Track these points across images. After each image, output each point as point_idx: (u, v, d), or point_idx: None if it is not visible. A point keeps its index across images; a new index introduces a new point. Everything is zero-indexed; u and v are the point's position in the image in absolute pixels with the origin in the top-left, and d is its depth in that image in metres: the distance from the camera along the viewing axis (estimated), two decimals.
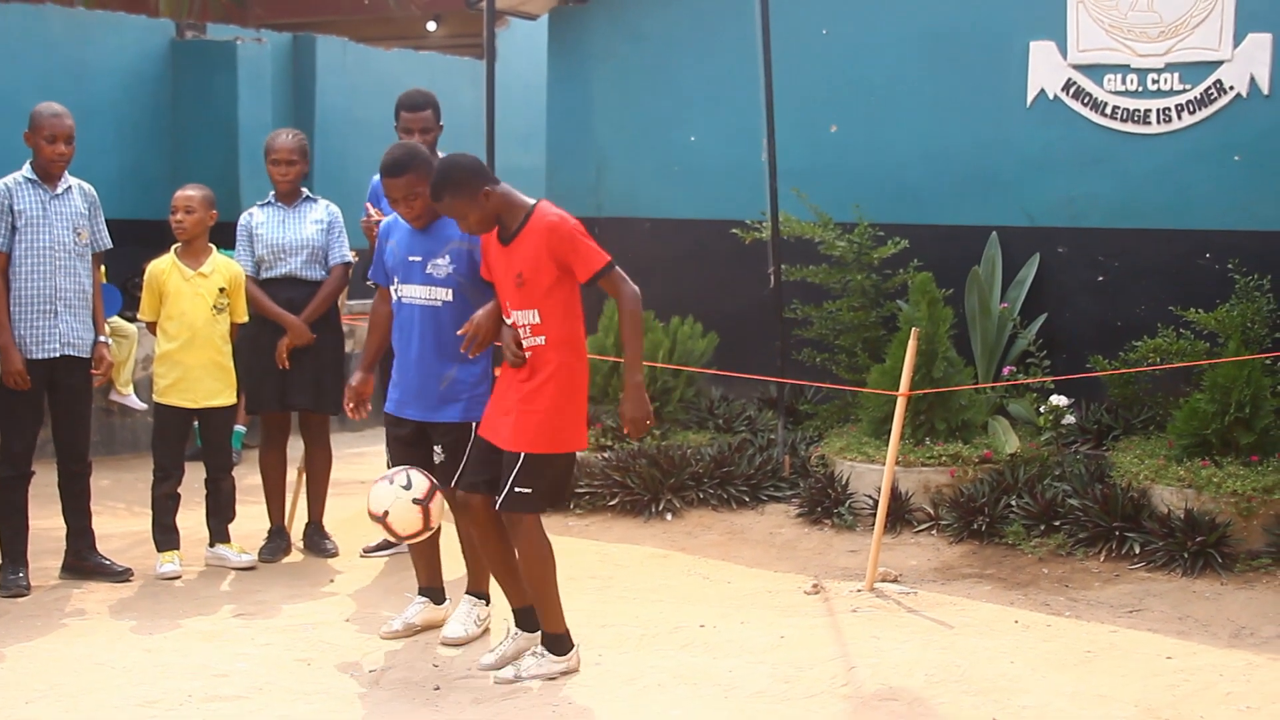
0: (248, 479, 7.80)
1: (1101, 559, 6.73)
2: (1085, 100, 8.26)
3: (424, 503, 5.33)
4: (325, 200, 7.11)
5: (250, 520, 7.22)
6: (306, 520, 7.21)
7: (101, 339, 6.59)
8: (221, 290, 6.78)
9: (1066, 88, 8.31)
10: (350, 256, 7.08)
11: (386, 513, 5.33)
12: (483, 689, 5.20)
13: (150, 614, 6.10)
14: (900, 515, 7.28)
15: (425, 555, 5.86)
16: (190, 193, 6.79)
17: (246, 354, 6.96)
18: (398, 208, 5.54)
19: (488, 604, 5.84)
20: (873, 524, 6.77)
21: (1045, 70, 8.38)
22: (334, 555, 7.08)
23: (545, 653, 5.31)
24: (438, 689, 5.22)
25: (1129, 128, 8.17)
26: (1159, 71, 8.06)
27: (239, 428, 9.11)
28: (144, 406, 9.01)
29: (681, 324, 8.78)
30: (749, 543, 7.33)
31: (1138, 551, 6.66)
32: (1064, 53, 8.31)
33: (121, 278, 9.51)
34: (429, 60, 13.95)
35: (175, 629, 5.90)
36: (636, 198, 9.87)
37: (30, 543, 6.51)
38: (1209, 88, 7.93)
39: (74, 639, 5.76)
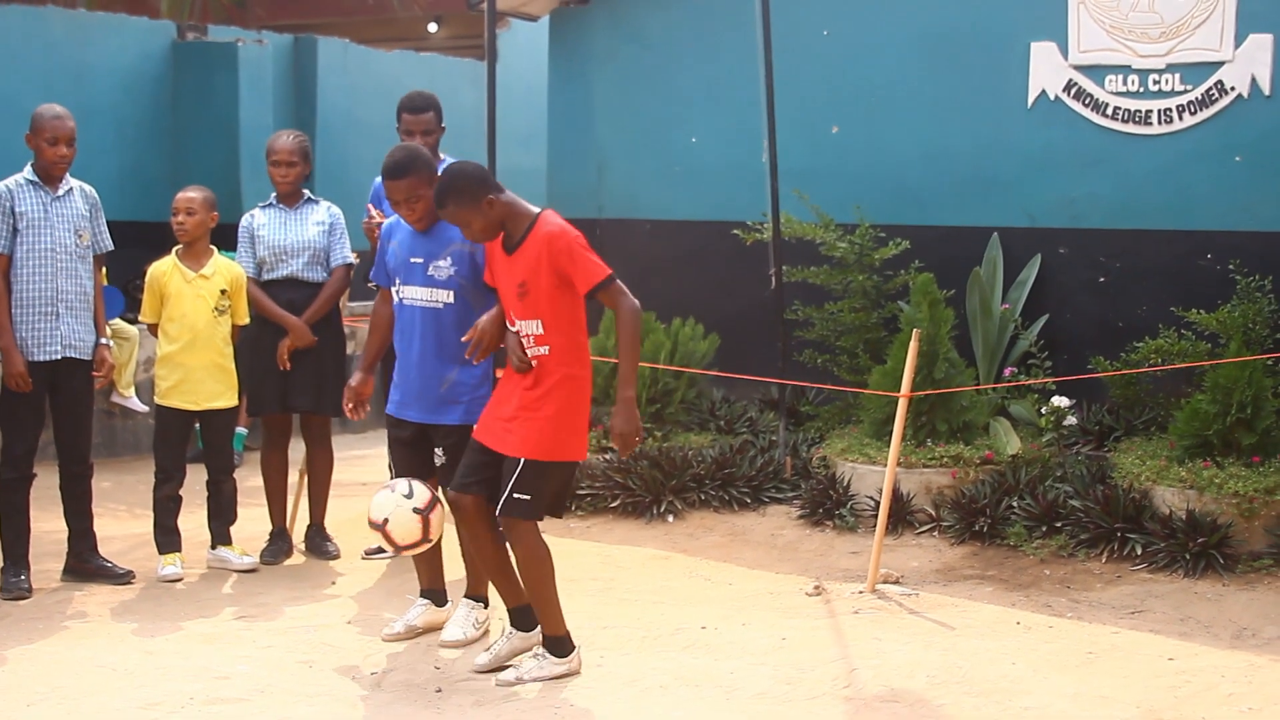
0: (249, 481, 7.80)
1: (1103, 560, 6.73)
2: (1086, 101, 8.26)
3: (424, 513, 5.32)
4: (327, 202, 7.11)
5: (252, 522, 7.22)
6: (308, 522, 7.21)
7: (103, 341, 6.59)
8: (223, 292, 6.78)
9: (1067, 88, 8.31)
10: (352, 258, 7.08)
11: (386, 520, 5.32)
12: (484, 691, 5.20)
13: (152, 616, 6.10)
14: (902, 517, 7.28)
15: (427, 557, 5.85)
16: (191, 194, 6.79)
17: (248, 356, 6.96)
18: (399, 210, 5.54)
19: (486, 607, 5.84)
20: (874, 525, 6.77)
21: (1046, 71, 8.37)
22: (335, 557, 7.08)
23: (546, 655, 5.32)
24: (439, 691, 5.22)
25: (1130, 128, 8.17)
26: (1160, 72, 8.06)
27: (240, 430, 9.11)
28: (145, 408, 9.01)
29: (683, 325, 8.78)
30: (750, 544, 7.33)
31: (1139, 553, 6.66)
32: (1065, 53, 8.30)
33: (123, 280, 9.52)
34: (430, 61, 13.95)
35: (177, 631, 5.90)
36: (637, 199, 9.87)
37: (32, 545, 6.51)
38: (1210, 88, 7.93)
39: (75, 641, 5.77)
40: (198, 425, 7.04)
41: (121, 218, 8.34)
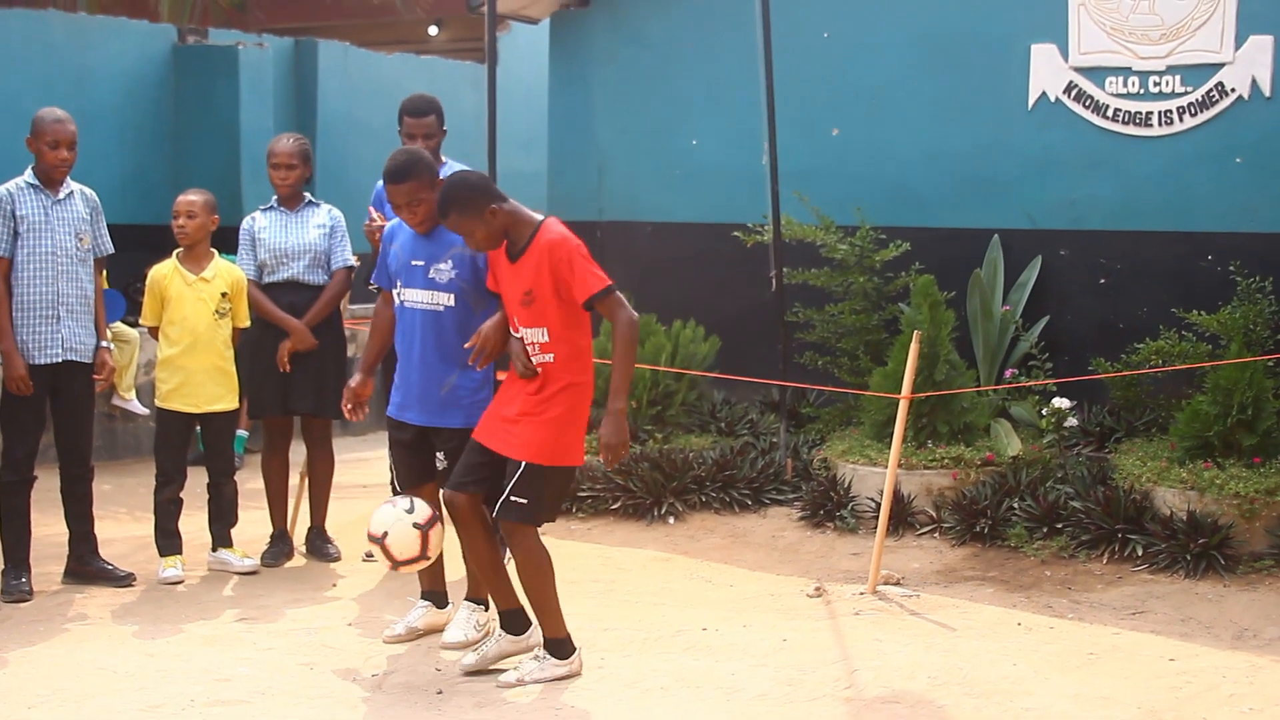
0: (250, 484, 7.80)
1: (1104, 561, 6.73)
2: (1087, 103, 8.26)
3: (424, 529, 5.32)
4: (328, 205, 7.11)
5: (252, 525, 7.22)
6: (309, 525, 7.21)
7: (103, 344, 6.59)
8: (223, 295, 6.78)
9: (1068, 90, 8.31)
10: (352, 261, 7.09)
11: (385, 534, 5.31)
12: (485, 693, 5.20)
13: (152, 619, 6.10)
14: (902, 518, 7.28)
15: None
16: (192, 197, 6.80)
17: (248, 359, 6.96)
18: (401, 213, 5.54)
19: (487, 609, 5.83)
20: (875, 527, 6.77)
21: (1046, 73, 8.38)
22: (336, 559, 7.08)
23: (547, 656, 5.32)
24: (440, 693, 5.22)
25: (1130, 130, 8.17)
26: (1160, 74, 8.06)
27: (241, 432, 9.12)
28: (146, 411, 9.01)
29: (683, 327, 8.78)
30: (751, 546, 7.33)
31: (1140, 554, 6.66)
32: (1065, 55, 8.31)
33: (123, 283, 9.52)
34: (430, 65, 13.96)
35: (177, 634, 5.90)
36: (638, 201, 9.87)
37: (32, 548, 6.51)
38: (1210, 90, 7.93)
39: (76, 644, 5.77)
40: (198, 428, 7.04)
41: (122, 221, 8.34)
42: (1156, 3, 8.03)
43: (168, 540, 6.76)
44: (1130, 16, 8.11)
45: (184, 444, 6.90)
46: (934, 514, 7.32)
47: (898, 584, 6.62)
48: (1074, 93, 8.30)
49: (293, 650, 5.69)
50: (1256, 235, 7.87)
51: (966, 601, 6.38)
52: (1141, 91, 8.12)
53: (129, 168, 11.28)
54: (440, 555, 5.84)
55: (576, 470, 5.48)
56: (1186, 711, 5.01)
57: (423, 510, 5.35)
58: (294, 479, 7.31)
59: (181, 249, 6.79)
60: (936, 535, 7.23)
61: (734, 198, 9.26)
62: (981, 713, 5.01)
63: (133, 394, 9.07)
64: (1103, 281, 8.35)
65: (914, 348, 6.69)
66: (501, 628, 5.44)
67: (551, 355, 5.15)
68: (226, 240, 7.27)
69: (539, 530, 5.28)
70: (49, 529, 6.96)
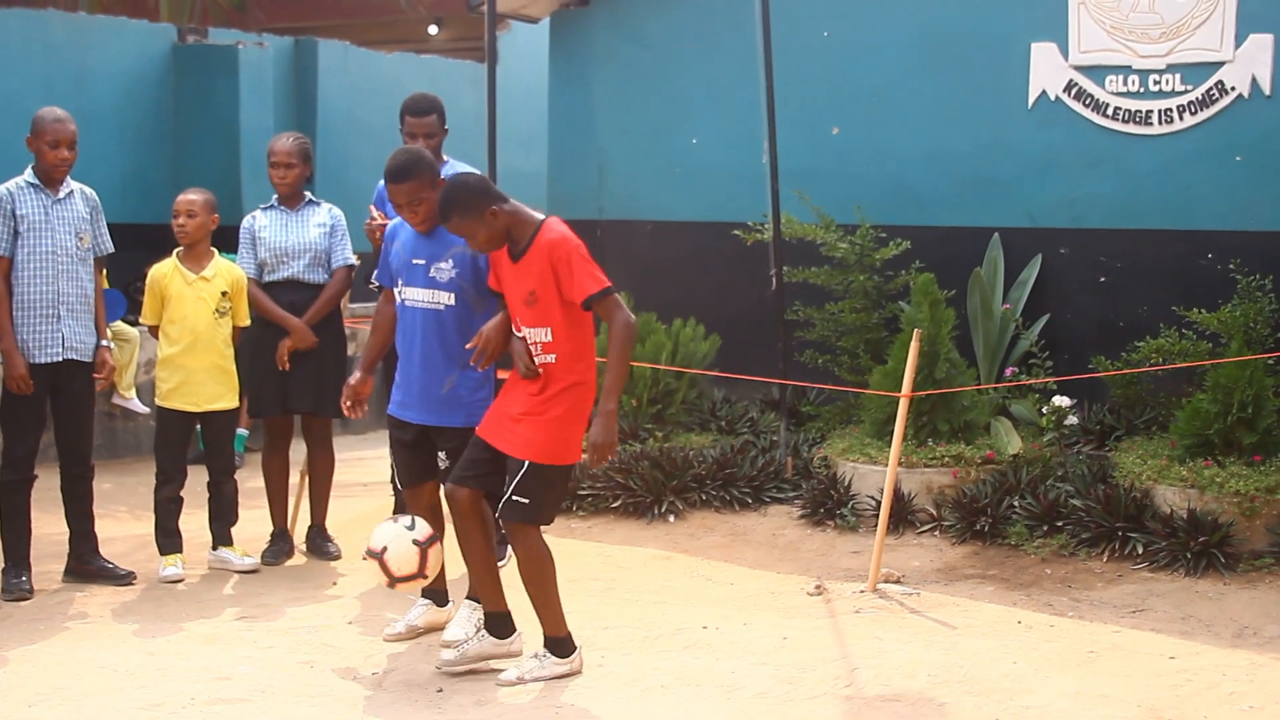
0: (250, 482, 7.80)
1: (1104, 559, 6.73)
2: (1087, 101, 8.26)
3: (423, 546, 5.31)
4: (328, 204, 7.12)
5: (253, 523, 7.22)
6: (309, 523, 7.21)
7: (104, 343, 6.59)
8: (223, 294, 6.79)
9: (1068, 89, 8.31)
10: (353, 260, 7.09)
11: (385, 549, 5.30)
12: (486, 691, 5.20)
13: (153, 617, 6.11)
14: (903, 516, 7.28)
15: None
16: (192, 197, 6.80)
17: (248, 357, 6.96)
18: (402, 212, 5.54)
19: None
20: (875, 525, 6.77)
21: (1047, 71, 8.38)
22: (336, 558, 7.09)
23: (548, 655, 5.32)
24: (440, 691, 5.22)
25: (1130, 129, 8.17)
26: (1160, 72, 8.06)
27: (241, 431, 9.12)
28: (146, 410, 9.02)
29: (683, 326, 8.78)
30: (751, 544, 7.33)
31: (1140, 552, 6.66)
32: (1065, 54, 8.31)
33: (123, 282, 9.52)
34: (430, 64, 13.95)
35: (178, 632, 5.91)
36: (638, 200, 9.87)
37: (33, 546, 6.51)
38: (1210, 88, 7.93)
39: (77, 642, 5.77)
40: (199, 427, 7.04)
41: (122, 220, 8.34)
42: (1156, 1, 8.03)
43: (168, 539, 6.77)
44: (1130, 15, 8.11)
45: (184, 443, 6.90)
46: (934, 512, 7.32)
47: (898, 582, 6.62)
48: (1074, 91, 8.30)
49: (293, 648, 5.69)
50: (1256, 234, 7.87)
51: (967, 600, 6.38)
52: (1141, 90, 8.12)
53: (129, 167, 11.27)
54: (441, 553, 5.84)
55: (574, 467, 5.47)
56: (1187, 709, 5.01)
57: (423, 528, 5.35)
58: (294, 478, 7.31)
59: (181, 248, 6.80)
60: (937, 533, 7.23)
61: (734, 196, 9.26)
62: (982, 711, 5.01)
63: (133, 393, 9.07)
64: (1103, 280, 8.35)
65: (914, 346, 6.69)
66: (485, 628, 5.42)
67: (554, 355, 5.15)
68: (227, 239, 7.27)
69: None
70: (49, 528, 6.96)
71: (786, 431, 8.26)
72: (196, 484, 6.98)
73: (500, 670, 5.34)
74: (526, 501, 5.14)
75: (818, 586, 6.57)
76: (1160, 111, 8.07)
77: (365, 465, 9.19)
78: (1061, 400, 7.83)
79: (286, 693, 5.19)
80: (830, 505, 7.47)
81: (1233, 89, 7.88)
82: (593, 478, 7.82)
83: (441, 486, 5.67)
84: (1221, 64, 7.90)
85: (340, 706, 5.07)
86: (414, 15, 16.12)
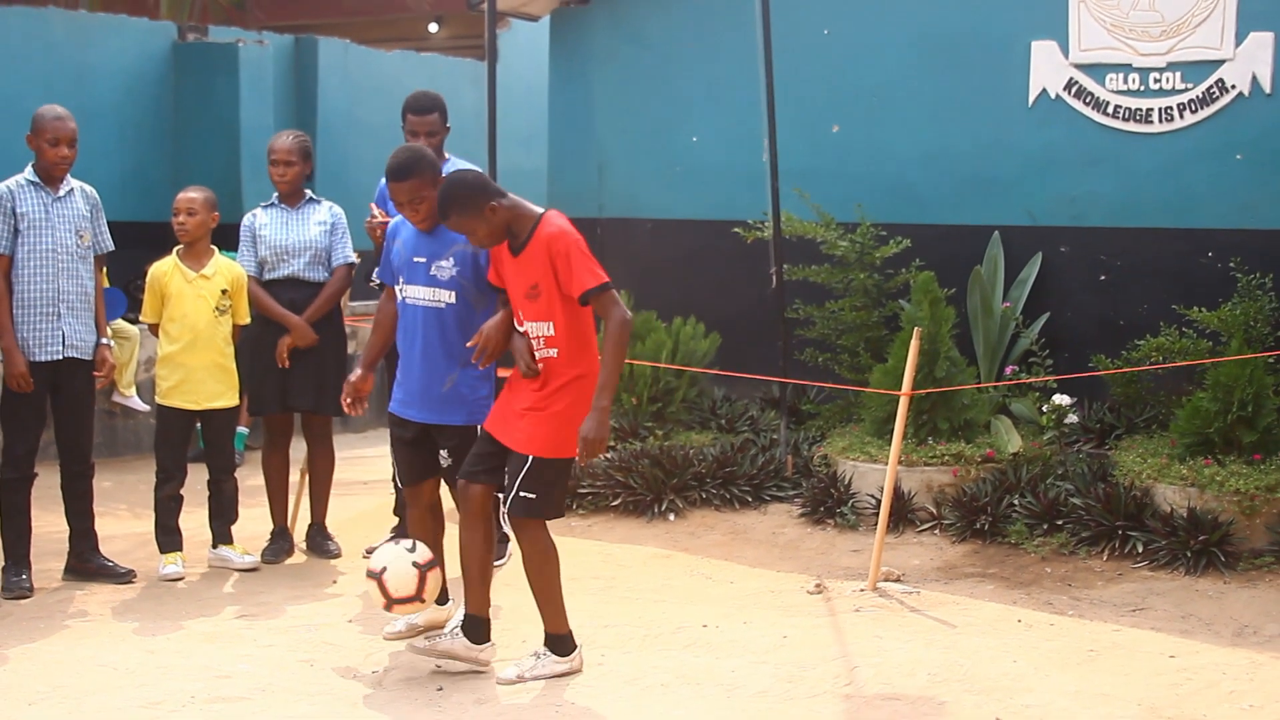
0: (250, 480, 7.80)
1: (1104, 558, 6.73)
2: (1087, 99, 8.26)
3: (423, 569, 5.28)
4: (329, 202, 7.11)
5: (253, 522, 7.22)
6: (309, 521, 7.21)
7: (104, 341, 6.59)
8: (224, 292, 6.79)
9: (1068, 87, 8.31)
10: (353, 258, 7.08)
11: (384, 569, 5.27)
12: (486, 689, 5.21)
13: (153, 615, 6.11)
14: (903, 515, 7.28)
15: None
16: (192, 195, 6.80)
17: (249, 356, 6.96)
18: (403, 211, 5.54)
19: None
20: (875, 524, 6.77)
21: (1047, 70, 8.37)
22: (337, 556, 7.09)
23: (548, 653, 5.32)
24: (441, 690, 5.22)
25: (1131, 127, 8.17)
26: (1161, 71, 8.06)
27: (241, 429, 9.12)
28: (146, 408, 9.01)
29: (684, 324, 8.79)
30: (752, 543, 7.33)
31: (1140, 550, 6.66)
32: (1066, 52, 8.31)
33: (123, 280, 9.52)
34: (431, 62, 13.95)
35: (178, 630, 5.91)
36: (638, 198, 9.87)
37: (33, 544, 6.51)
38: (1211, 87, 7.93)
39: (77, 641, 5.77)
40: (199, 425, 7.04)
41: (122, 218, 8.34)
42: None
43: (168, 537, 6.77)
44: (1131, 13, 8.10)
45: (184, 441, 6.90)
46: (934, 511, 7.32)
47: (898, 581, 6.63)
48: (1074, 89, 8.30)
49: (293, 647, 5.69)
50: (1257, 232, 7.87)
51: (967, 598, 6.38)
52: (1142, 88, 8.12)
53: (129, 165, 11.27)
54: (441, 551, 5.84)
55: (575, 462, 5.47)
56: (1187, 708, 5.01)
57: (424, 553, 5.34)
58: (294, 476, 7.31)
59: (182, 246, 6.80)
60: (937, 532, 7.23)
61: (734, 195, 9.26)
62: (981, 709, 5.01)
63: (133, 391, 9.07)
64: (1103, 278, 8.35)
65: (914, 344, 6.69)
66: (461, 628, 5.37)
67: (555, 350, 5.15)
68: (227, 237, 7.27)
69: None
70: (49, 526, 6.96)
71: (786, 430, 8.26)
72: (196, 482, 6.98)
73: (499, 668, 5.35)
74: (533, 496, 5.15)
75: (818, 585, 6.57)
76: (1160, 110, 8.07)
77: (365, 463, 9.19)
78: (1061, 399, 7.84)
79: (287, 691, 5.19)
80: (830, 504, 7.47)
81: (1233, 87, 7.88)
82: (593, 476, 7.82)
83: (443, 484, 5.67)
84: (1222, 62, 7.89)
85: (340, 705, 5.07)
86: (415, 13, 16.11)
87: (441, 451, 5.60)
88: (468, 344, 5.38)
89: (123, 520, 7.90)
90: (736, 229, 8.94)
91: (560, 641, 5.32)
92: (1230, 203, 7.95)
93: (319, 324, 6.92)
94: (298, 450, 7.23)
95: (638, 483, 7.74)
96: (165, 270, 6.77)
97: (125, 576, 6.61)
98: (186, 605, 6.27)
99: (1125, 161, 8.20)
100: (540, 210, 5.21)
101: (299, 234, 6.94)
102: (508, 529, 5.77)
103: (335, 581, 6.69)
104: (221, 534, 6.90)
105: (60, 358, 6.39)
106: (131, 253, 8.27)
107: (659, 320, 8.80)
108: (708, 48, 9.49)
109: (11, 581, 6.37)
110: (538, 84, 11.39)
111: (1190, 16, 7.95)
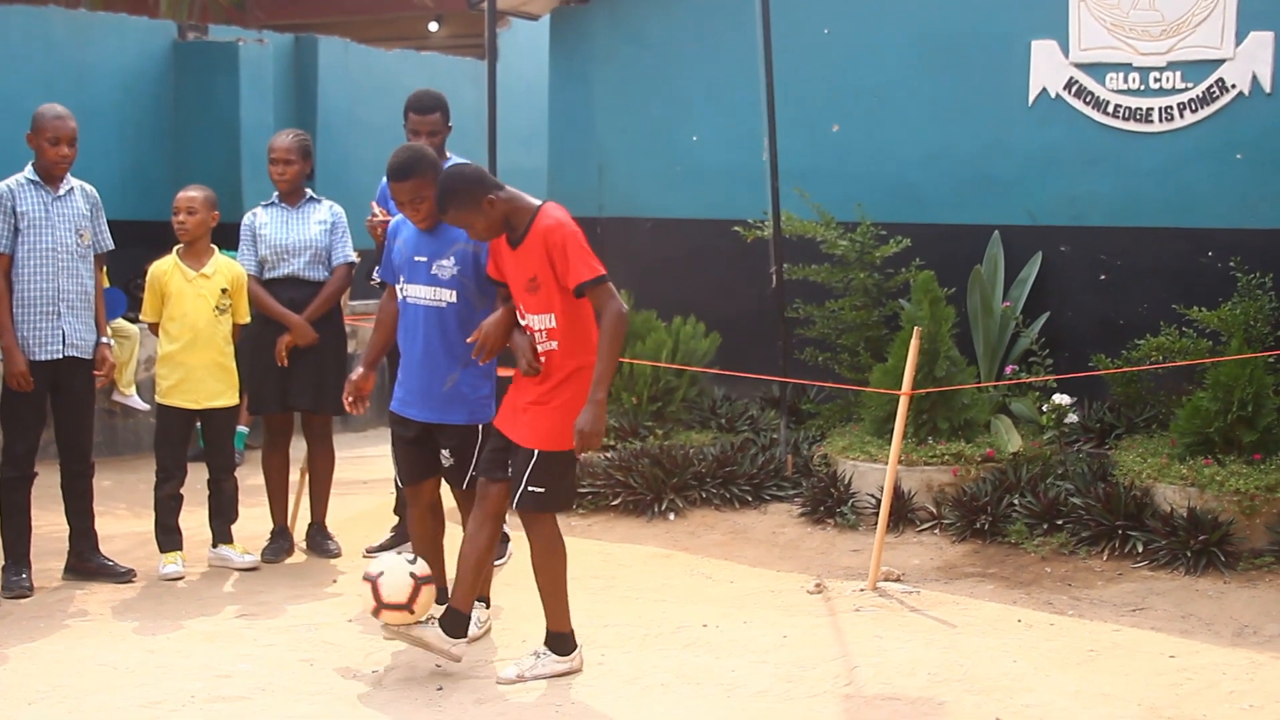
0: (250, 480, 7.80)
1: (1104, 558, 6.73)
2: (1087, 99, 8.26)
3: (419, 580, 5.25)
4: (329, 201, 7.11)
5: (253, 521, 7.22)
6: (309, 521, 7.21)
7: (104, 340, 6.59)
8: (224, 291, 6.78)
9: (1068, 86, 8.31)
10: (353, 257, 7.08)
11: (380, 574, 5.25)
12: (486, 689, 5.21)
13: (153, 615, 6.11)
14: (903, 514, 7.28)
15: (430, 556, 5.84)
16: (192, 194, 6.80)
17: (249, 355, 6.96)
18: (404, 210, 5.54)
19: (487, 606, 5.85)
20: (875, 523, 6.77)
21: (1047, 69, 8.37)
22: (337, 556, 7.08)
23: (548, 652, 5.32)
24: (440, 689, 5.22)
25: (1131, 126, 8.17)
26: (1161, 70, 8.06)
27: (241, 428, 9.12)
28: (146, 407, 9.01)
29: (684, 324, 8.78)
30: (752, 542, 7.33)
31: (1140, 550, 6.66)
32: (1066, 51, 8.31)
33: (124, 279, 9.51)
34: (431, 61, 13.95)
35: (178, 630, 5.91)
36: (638, 198, 9.87)
37: (33, 544, 6.51)
38: (1211, 86, 7.93)
39: (77, 640, 5.77)
40: (199, 424, 7.04)
41: (122, 217, 8.34)
42: None
43: (168, 536, 6.76)
44: (1131, 13, 8.10)
45: (184, 440, 6.90)
46: (934, 510, 7.32)
47: (898, 580, 6.62)
48: (1074, 89, 8.29)
49: (293, 646, 5.69)
50: (1257, 231, 7.87)
51: (967, 598, 6.38)
52: (1142, 88, 8.12)
53: (129, 164, 11.27)
54: (441, 554, 5.84)
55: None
56: (1187, 708, 5.01)
57: (424, 567, 5.34)
58: (294, 475, 7.31)
59: (182, 245, 6.80)
60: (937, 532, 7.23)
61: (734, 194, 9.26)
62: (981, 709, 5.01)
63: (133, 390, 9.06)
64: (1103, 278, 8.35)
65: (914, 344, 6.69)
66: (440, 620, 5.30)
67: (556, 342, 5.16)
68: (227, 236, 7.27)
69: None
70: (49, 525, 6.96)
71: (786, 429, 8.26)
72: (196, 481, 6.98)
73: (499, 667, 5.35)
74: (543, 491, 5.16)
75: (818, 585, 6.57)
76: (1161, 109, 8.07)
77: (365, 463, 9.19)
78: (1061, 398, 7.83)
79: (287, 690, 5.19)
80: (830, 503, 7.47)
81: (1233, 86, 7.88)
82: (593, 475, 7.82)
83: (444, 483, 5.67)
84: (1222, 61, 7.90)
85: (340, 704, 5.07)
86: (415, 11, 16.11)
87: (443, 451, 5.60)
88: (467, 339, 5.38)
89: (123, 519, 7.90)
90: (737, 228, 8.94)
91: (561, 640, 5.32)
92: (1230, 202, 7.95)
93: (319, 323, 6.91)
94: (298, 449, 7.23)
95: (638, 482, 7.74)
96: (165, 269, 6.77)
97: (125, 576, 6.61)
98: (186, 604, 6.27)
99: (1125, 161, 8.20)
100: (538, 203, 5.21)
101: (299, 233, 6.94)
102: (507, 529, 5.77)
103: (335, 581, 6.69)
104: (221, 533, 6.90)
105: (60, 357, 6.39)
106: (131, 252, 8.27)
107: (659, 320, 8.80)
108: (708, 47, 9.49)
109: (11, 581, 6.37)
110: (538, 83, 11.38)
111: (1190, 16, 7.95)
